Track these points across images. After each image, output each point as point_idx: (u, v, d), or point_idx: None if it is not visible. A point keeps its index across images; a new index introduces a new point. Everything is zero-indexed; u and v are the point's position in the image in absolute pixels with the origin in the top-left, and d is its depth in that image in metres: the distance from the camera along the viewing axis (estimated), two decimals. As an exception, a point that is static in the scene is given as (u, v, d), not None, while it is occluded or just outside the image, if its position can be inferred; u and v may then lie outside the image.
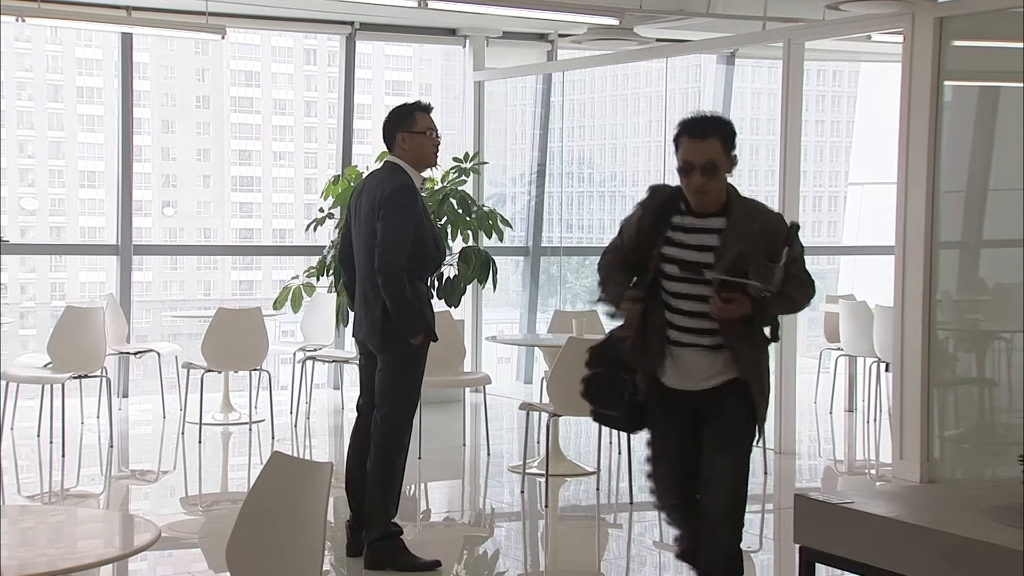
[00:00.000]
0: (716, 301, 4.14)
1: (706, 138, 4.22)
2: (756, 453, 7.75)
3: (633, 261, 4.35)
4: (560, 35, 11.03)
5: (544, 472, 7.24)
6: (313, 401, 9.81)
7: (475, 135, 10.86)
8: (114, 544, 3.65)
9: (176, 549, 6.12)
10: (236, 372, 9.15)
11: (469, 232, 9.42)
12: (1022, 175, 6.98)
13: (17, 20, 8.71)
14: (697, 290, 4.21)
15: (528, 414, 7.55)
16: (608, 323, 4.61)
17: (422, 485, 7.60)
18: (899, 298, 7.49)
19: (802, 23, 8.91)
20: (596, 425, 5.59)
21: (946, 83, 7.29)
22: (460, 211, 9.35)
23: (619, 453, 7.95)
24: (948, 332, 7.48)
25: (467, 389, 9.10)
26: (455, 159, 9.62)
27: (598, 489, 7.34)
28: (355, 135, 10.74)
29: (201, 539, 6.48)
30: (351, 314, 5.94)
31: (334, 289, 9.43)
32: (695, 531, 4.44)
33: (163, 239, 12.36)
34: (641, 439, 4.70)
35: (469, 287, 9.57)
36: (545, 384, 7.55)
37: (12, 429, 8.39)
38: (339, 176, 9.62)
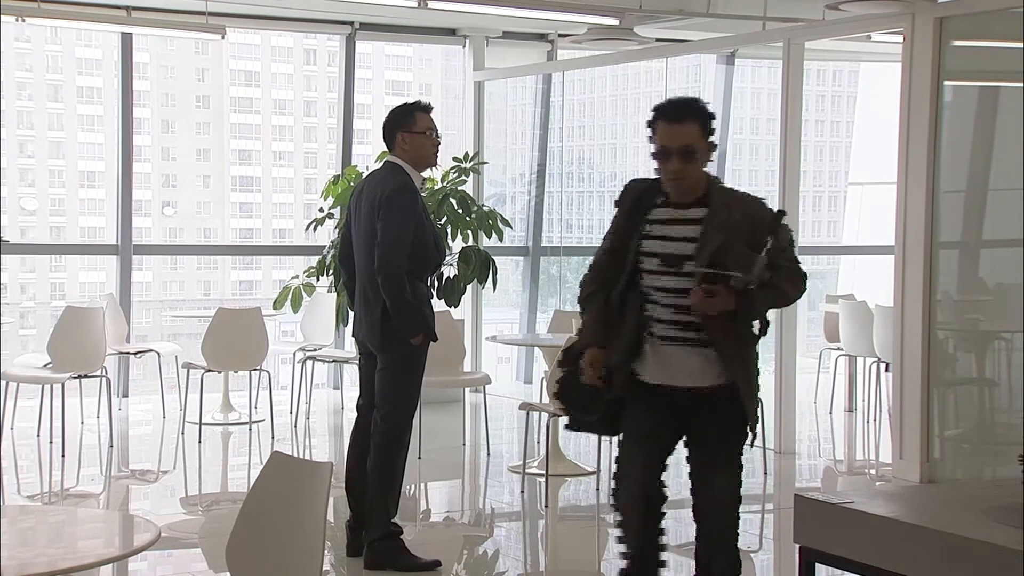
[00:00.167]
0: (697, 293, 3.96)
1: (683, 121, 4.03)
2: (756, 453, 7.77)
3: (612, 272, 4.18)
4: (560, 35, 11.03)
5: (544, 472, 7.24)
6: (313, 401, 9.81)
7: (475, 135, 10.86)
8: (114, 544, 3.65)
9: (176, 549, 6.12)
10: (236, 372, 9.15)
11: (469, 232, 9.42)
12: (1022, 175, 6.98)
13: (17, 20, 8.71)
14: (680, 283, 4.03)
15: (528, 414, 7.55)
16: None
17: (422, 485, 7.60)
18: (899, 298, 7.49)
19: (802, 23, 8.91)
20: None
21: (946, 83, 7.29)
22: (460, 211, 9.35)
23: (619, 453, 7.94)
24: (948, 332, 7.48)
25: (467, 389, 9.10)
26: (455, 159, 9.62)
27: (598, 489, 7.34)
28: (355, 135, 10.74)
29: (201, 539, 6.48)
30: (351, 314, 5.94)
31: (334, 289, 9.43)
32: (646, 559, 4.22)
33: (163, 239, 12.36)
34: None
35: (469, 287, 9.58)
36: (545, 384, 7.55)
37: (12, 429, 8.38)
38: (339, 176, 9.62)
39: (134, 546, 3.44)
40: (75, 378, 8.25)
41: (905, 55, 7.43)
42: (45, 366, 8.27)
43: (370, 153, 10.02)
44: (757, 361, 4.20)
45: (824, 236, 14.57)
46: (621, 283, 4.14)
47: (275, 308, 9.46)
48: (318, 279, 9.53)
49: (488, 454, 8.29)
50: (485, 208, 9.66)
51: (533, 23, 10.59)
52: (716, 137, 4.10)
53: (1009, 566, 3.22)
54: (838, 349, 10.02)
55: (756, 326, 4.15)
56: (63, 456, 8.00)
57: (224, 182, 13.12)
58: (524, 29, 10.94)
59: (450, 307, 9.21)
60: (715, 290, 3.95)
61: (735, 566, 4.36)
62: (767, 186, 12.59)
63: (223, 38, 9.35)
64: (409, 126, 5.52)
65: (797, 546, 3.83)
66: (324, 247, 9.57)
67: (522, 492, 7.31)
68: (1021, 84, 7.08)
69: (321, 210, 9.60)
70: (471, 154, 9.83)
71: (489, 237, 9.63)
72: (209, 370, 8.65)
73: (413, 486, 7.45)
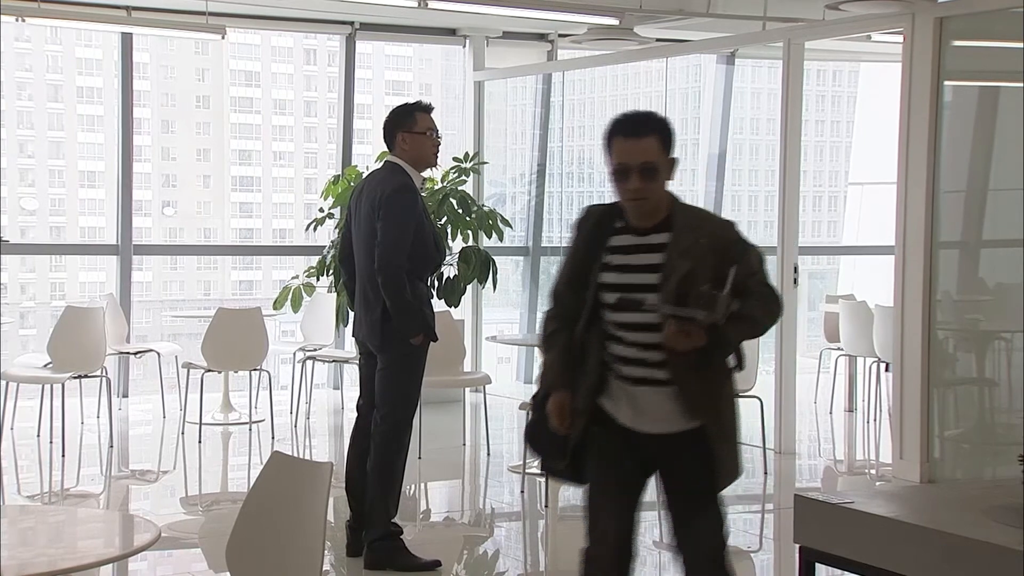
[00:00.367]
0: (670, 330, 3.58)
1: (642, 136, 3.69)
2: (756, 453, 7.77)
3: (574, 308, 3.84)
4: (560, 35, 11.03)
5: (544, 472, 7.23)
6: (313, 401, 9.81)
7: (475, 135, 10.86)
8: (114, 544, 3.65)
9: (176, 549, 6.12)
10: (236, 372, 9.15)
11: (469, 232, 9.42)
12: (1022, 175, 6.98)
13: (17, 20, 8.71)
14: (645, 318, 3.66)
15: (528, 414, 7.53)
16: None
17: (422, 485, 7.60)
18: (899, 298, 7.49)
19: (802, 23, 8.91)
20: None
21: (946, 83, 7.29)
22: (460, 211, 9.35)
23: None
24: (948, 332, 7.48)
25: (467, 389, 9.10)
26: (455, 159, 9.62)
27: (598, 489, 7.32)
28: (355, 135, 10.74)
29: (201, 539, 6.48)
30: (351, 314, 5.94)
31: (334, 289, 9.43)
32: None
33: (163, 239, 12.36)
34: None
35: (469, 287, 9.57)
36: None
37: (12, 429, 8.38)
38: (339, 176, 9.62)
39: (134, 546, 3.44)
40: (75, 378, 8.26)
41: (905, 55, 7.43)
42: (45, 366, 8.27)
43: (370, 153, 10.02)
44: (733, 399, 3.86)
45: (824, 236, 14.57)
46: (583, 319, 3.80)
47: (275, 308, 9.46)
48: (318, 279, 9.53)
49: (488, 454, 8.29)
50: (485, 208, 9.66)
51: (533, 23, 10.60)
52: (676, 154, 3.77)
53: (1009, 566, 3.22)
54: (838, 349, 10.02)
55: (731, 359, 3.82)
56: (63, 456, 8.00)
57: (224, 182, 13.13)
58: (524, 29, 10.94)
59: (450, 307, 9.21)
60: (688, 329, 3.58)
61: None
62: (767, 186, 12.60)
63: (223, 38, 9.35)
64: (410, 126, 5.52)
65: (797, 546, 3.83)
66: (324, 247, 9.57)
67: (522, 492, 7.31)
68: (1021, 84, 7.08)
69: (321, 210, 9.60)
70: (471, 154, 9.83)
71: (489, 237, 9.64)
72: (209, 370, 8.65)
73: (413, 486, 7.45)
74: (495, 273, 9.46)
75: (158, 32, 9.92)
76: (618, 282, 3.74)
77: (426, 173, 5.91)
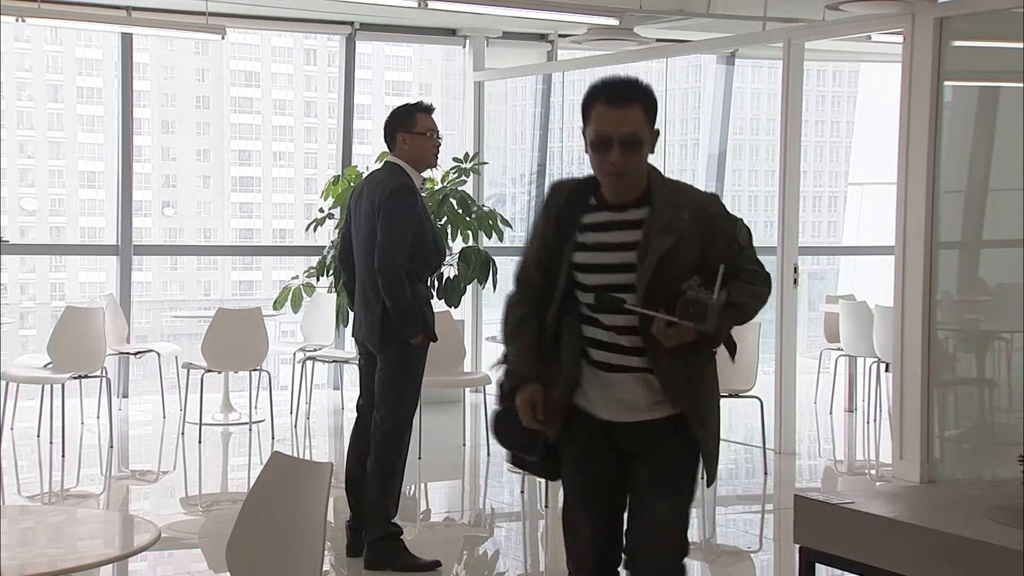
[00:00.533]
0: (659, 324, 3.32)
1: (628, 105, 3.35)
2: (756, 453, 7.77)
3: (543, 291, 3.51)
4: (560, 35, 11.03)
5: (544, 472, 7.23)
6: (313, 401, 9.81)
7: (475, 135, 10.86)
8: (114, 544, 3.65)
9: (176, 549, 6.12)
10: (236, 372, 9.15)
11: (469, 232, 9.42)
12: (1022, 175, 6.98)
13: (17, 20, 8.71)
14: (620, 298, 3.38)
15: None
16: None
17: (422, 485, 7.60)
18: (899, 298, 7.49)
19: (802, 23, 8.91)
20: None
21: (946, 83, 7.29)
22: (460, 211, 9.35)
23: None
24: (948, 332, 7.48)
25: (467, 389, 9.10)
26: (455, 159, 9.62)
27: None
28: (355, 135, 10.75)
29: (201, 539, 6.48)
30: (351, 314, 5.94)
31: (334, 289, 9.43)
32: None
33: (163, 239, 12.37)
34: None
35: (469, 287, 9.57)
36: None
37: (12, 429, 8.38)
38: (339, 176, 9.62)
39: (134, 546, 3.44)
40: (75, 378, 8.26)
41: (905, 55, 7.43)
42: (45, 366, 8.27)
43: (370, 153, 10.02)
44: (715, 388, 3.56)
45: (824, 236, 14.57)
46: (556, 304, 3.48)
47: (275, 308, 9.47)
48: (318, 279, 9.53)
49: (488, 454, 8.29)
50: (485, 208, 9.66)
51: (533, 23, 10.60)
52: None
53: (1009, 566, 3.22)
54: (838, 349, 10.02)
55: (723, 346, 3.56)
56: (63, 456, 8.00)
57: (224, 182, 13.14)
58: (524, 29, 10.94)
59: (450, 307, 9.21)
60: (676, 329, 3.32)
61: None
62: (767, 186, 12.59)
63: (223, 38, 9.35)
64: (410, 126, 5.52)
65: (797, 546, 3.83)
66: (324, 247, 9.57)
67: (522, 492, 7.31)
68: (1021, 84, 7.08)
69: (321, 210, 9.60)
70: (471, 154, 9.83)
71: (489, 237, 9.64)
72: (209, 370, 8.66)
73: (413, 486, 7.45)
74: (495, 273, 9.46)
75: (158, 32, 9.92)
76: (593, 262, 3.44)
77: (426, 173, 5.91)
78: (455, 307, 9.34)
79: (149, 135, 12.24)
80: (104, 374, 8.38)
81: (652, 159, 3.50)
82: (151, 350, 9.52)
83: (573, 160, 12.36)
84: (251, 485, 3.67)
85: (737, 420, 8.85)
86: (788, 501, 5.29)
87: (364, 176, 5.85)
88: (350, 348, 9.61)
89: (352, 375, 9.82)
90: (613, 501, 3.55)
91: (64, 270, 12.43)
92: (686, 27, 10.17)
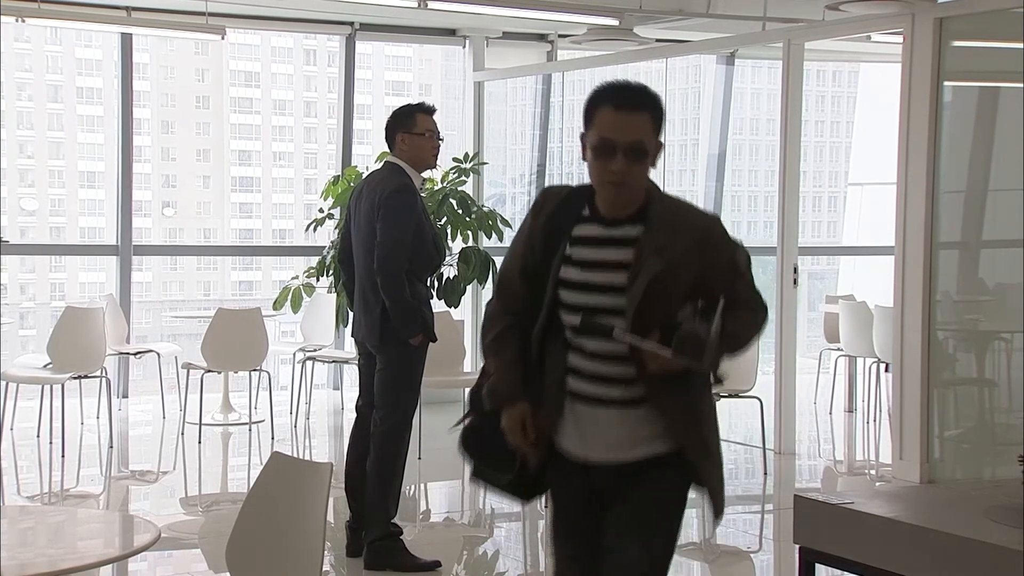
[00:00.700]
0: (653, 352, 3.07)
1: (637, 111, 3.11)
2: (756, 453, 7.77)
3: (527, 303, 3.26)
4: (560, 35, 11.03)
5: (544, 472, 7.23)
6: (313, 401, 9.81)
7: (475, 135, 10.86)
8: (114, 544, 3.65)
9: (176, 549, 6.12)
10: (236, 372, 9.15)
11: (469, 232, 9.42)
12: (1022, 175, 6.98)
13: (17, 20, 8.71)
14: (612, 321, 3.11)
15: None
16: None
17: (422, 485, 7.60)
18: (899, 298, 7.49)
19: (802, 23, 8.91)
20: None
21: (946, 83, 7.29)
22: (460, 211, 9.35)
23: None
24: (948, 332, 7.48)
25: (467, 389, 9.08)
26: (455, 159, 9.62)
27: (598, 489, 7.33)
28: (355, 135, 10.75)
29: (201, 539, 6.48)
30: (351, 314, 5.94)
31: (334, 289, 9.43)
32: None
33: (163, 239, 12.36)
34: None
35: (469, 287, 9.58)
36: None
37: (12, 429, 8.38)
38: (339, 176, 9.62)
39: (134, 546, 3.44)
40: (75, 378, 8.26)
41: (905, 55, 7.43)
42: (45, 366, 8.27)
43: (370, 153, 10.02)
44: (715, 417, 3.28)
45: (824, 236, 14.57)
46: (541, 320, 3.22)
47: (275, 308, 9.47)
48: (318, 279, 9.53)
49: (488, 454, 8.27)
50: (485, 208, 9.66)
51: (533, 23, 10.60)
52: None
53: (1009, 566, 3.22)
54: (838, 349, 10.02)
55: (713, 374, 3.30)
56: (63, 456, 8.00)
57: (224, 182, 13.14)
58: (524, 29, 10.95)
59: (450, 307, 9.21)
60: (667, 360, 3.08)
61: None
62: (767, 187, 12.59)
63: (223, 38, 9.35)
64: (410, 127, 5.52)
65: (797, 546, 3.83)
66: (324, 247, 9.57)
67: (522, 492, 7.29)
68: (1021, 84, 7.08)
69: (321, 210, 9.60)
70: (471, 154, 9.83)
71: (489, 237, 9.64)
72: (209, 370, 8.66)
73: (413, 486, 7.45)
74: (495, 273, 9.45)
75: (158, 32, 9.93)
76: (579, 280, 3.17)
77: (426, 174, 5.91)
78: (455, 307, 9.34)
79: (149, 135, 12.25)
80: (104, 374, 8.38)
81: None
82: (151, 350, 9.53)
83: (573, 160, 12.36)
84: (251, 485, 3.67)
85: (737, 420, 8.85)
86: (788, 501, 5.28)
87: (364, 176, 5.86)
88: (350, 348, 9.61)
89: (352, 375, 9.82)
90: (593, 538, 3.27)
91: (64, 270, 12.43)
92: (686, 27, 10.17)
